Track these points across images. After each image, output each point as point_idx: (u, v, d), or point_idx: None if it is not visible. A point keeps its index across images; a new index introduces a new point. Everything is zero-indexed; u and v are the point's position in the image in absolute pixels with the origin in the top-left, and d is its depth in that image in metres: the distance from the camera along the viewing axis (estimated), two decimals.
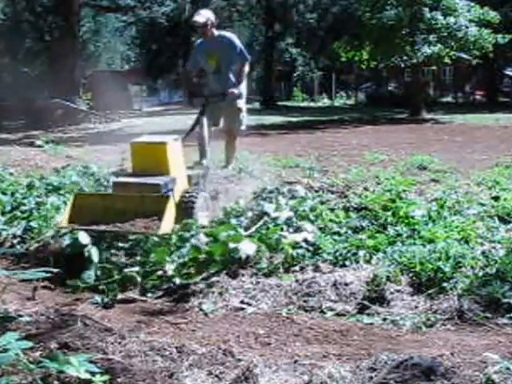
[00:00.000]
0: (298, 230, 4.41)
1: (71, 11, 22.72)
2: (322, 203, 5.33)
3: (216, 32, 6.08)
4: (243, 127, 6.41)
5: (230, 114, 6.23)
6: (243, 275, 3.79)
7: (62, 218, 4.25)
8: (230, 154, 6.53)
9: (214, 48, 6.05)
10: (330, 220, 4.71)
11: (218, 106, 5.93)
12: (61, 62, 22.28)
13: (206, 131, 5.54)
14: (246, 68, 6.11)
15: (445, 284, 3.47)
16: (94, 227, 4.11)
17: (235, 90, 5.92)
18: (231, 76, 6.11)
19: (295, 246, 4.11)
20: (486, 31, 20.07)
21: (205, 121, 5.53)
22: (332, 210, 5.08)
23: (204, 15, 6.02)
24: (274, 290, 3.61)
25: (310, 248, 4.14)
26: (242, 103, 6.26)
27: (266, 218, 4.55)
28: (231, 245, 3.85)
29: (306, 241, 4.19)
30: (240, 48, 6.11)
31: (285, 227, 4.42)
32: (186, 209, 4.52)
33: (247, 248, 3.87)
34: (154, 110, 30.45)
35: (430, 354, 2.50)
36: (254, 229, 4.37)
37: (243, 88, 6.23)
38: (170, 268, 3.73)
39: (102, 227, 4.10)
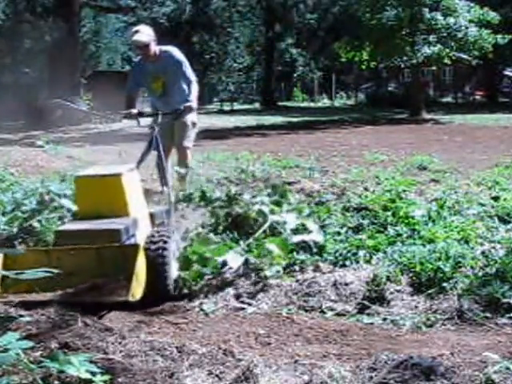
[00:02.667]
0: (302, 230, 4.36)
1: (72, 12, 22.75)
2: (322, 203, 5.33)
3: (158, 49, 5.33)
4: (191, 144, 5.68)
5: (180, 128, 5.51)
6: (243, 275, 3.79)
7: None
8: (182, 171, 5.42)
9: (158, 70, 5.35)
10: (329, 217, 4.72)
11: (169, 122, 5.20)
12: (61, 62, 22.28)
13: (163, 153, 4.65)
14: (196, 87, 5.38)
15: (445, 284, 3.47)
16: (36, 297, 3.12)
17: (192, 104, 5.15)
18: (180, 95, 5.41)
19: (303, 246, 4.12)
20: (486, 32, 20.10)
21: (159, 141, 4.59)
22: (333, 210, 5.09)
23: (145, 33, 5.26)
24: (274, 290, 3.62)
25: (315, 249, 4.13)
26: (194, 117, 5.58)
27: (268, 222, 4.21)
28: (218, 258, 3.59)
29: (314, 242, 4.16)
30: (186, 66, 5.38)
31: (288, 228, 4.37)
32: (155, 265, 3.36)
33: (233, 262, 3.61)
34: None
35: (430, 353, 2.50)
36: (259, 232, 4.10)
37: (192, 96, 5.44)
38: None
39: (46, 296, 3.10)
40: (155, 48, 5.27)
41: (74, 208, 4.58)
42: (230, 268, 3.60)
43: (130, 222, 3.53)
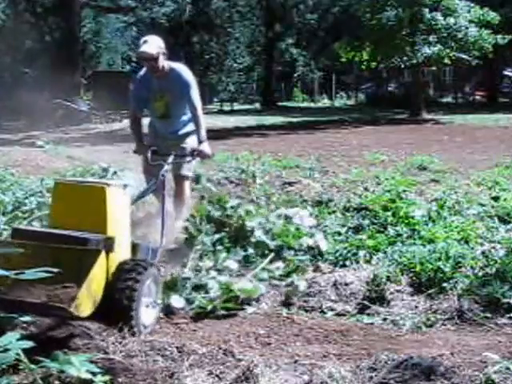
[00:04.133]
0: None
1: (72, 12, 22.76)
2: (322, 204, 5.34)
3: (166, 64, 4.60)
4: (190, 173, 4.88)
5: (179, 155, 4.55)
6: (243, 275, 3.80)
7: None
8: (178, 208, 4.65)
9: (163, 87, 4.62)
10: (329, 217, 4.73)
11: (165, 144, 4.56)
12: (62, 62, 22.29)
13: (167, 198, 4.11)
14: (202, 118, 4.63)
15: (445, 284, 3.47)
16: None
17: (205, 149, 4.47)
18: (183, 120, 4.75)
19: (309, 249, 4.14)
20: (486, 32, 20.09)
21: (166, 183, 4.08)
22: (333, 210, 5.10)
23: (155, 44, 4.53)
24: (274, 291, 3.62)
25: (315, 253, 4.15)
26: (195, 144, 4.63)
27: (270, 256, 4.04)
28: (243, 295, 3.41)
29: (317, 246, 4.17)
30: (194, 89, 4.61)
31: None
32: (120, 296, 2.91)
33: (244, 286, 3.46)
34: None
35: (430, 353, 2.50)
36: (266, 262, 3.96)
37: (191, 125, 4.75)
38: None
39: None
40: (164, 62, 4.57)
41: None
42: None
43: (103, 239, 3.00)
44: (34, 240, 2.97)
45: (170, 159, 4.20)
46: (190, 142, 4.68)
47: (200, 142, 4.49)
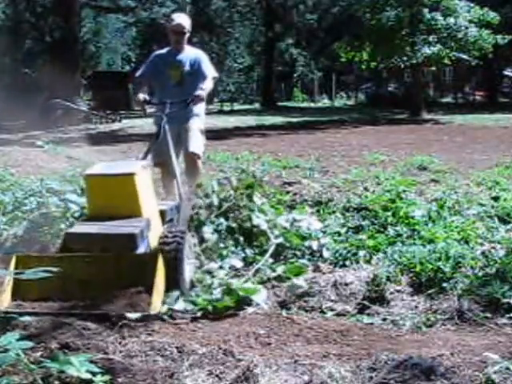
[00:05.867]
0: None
1: (72, 12, 22.75)
2: (322, 204, 5.33)
3: (186, 44, 5.30)
4: (201, 152, 5.21)
5: (187, 136, 5.10)
6: (243, 275, 3.80)
7: (4, 295, 3.02)
8: (193, 181, 4.90)
9: (181, 60, 5.20)
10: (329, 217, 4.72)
11: (175, 132, 4.80)
12: (61, 62, 22.26)
13: (171, 142, 4.43)
14: (210, 81, 5.10)
15: (445, 284, 3.47)
16: (47, 308, 2.94)
17: (202, 92, 4.89)
18: (195, 89, 5.05)
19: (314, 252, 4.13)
20: (486, 32, 20.10)
21: (168, 130, 4.43)
22: (333, 210, 5.09)
23: (187, 21, 5.22)
24: (274, 291, 3.62)
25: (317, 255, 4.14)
26: (201, 125, 5.24)
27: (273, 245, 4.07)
28: (242, 294, 3.37)
29: (320, 251, 4.15)
30: (208, 66, 5.20)
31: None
32: (170, 266, 3.25)
33: (259, 298, 3.39)
34: (154, 110, 30.43)
35: (430, 354, 2.50)
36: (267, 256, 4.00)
37: (202, 109, 5.29)
38: None
39: (66, 305, 2.96)
40: (186, 40, 5.27)
41: (76, 207, 4.60)
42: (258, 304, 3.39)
43: (144, 224, 3.33)
44: (89, 242, 3.22)
45: (167, 108, 4.54)
46: (197, 124, 5.16)
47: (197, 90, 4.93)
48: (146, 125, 19.27)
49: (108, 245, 3.21)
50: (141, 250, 3.30)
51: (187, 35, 5.24)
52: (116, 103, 26.29)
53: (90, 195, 3.52)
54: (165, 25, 5.39)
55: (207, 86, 5.05)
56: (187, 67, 5.18)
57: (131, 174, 3.39)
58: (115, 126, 19.90)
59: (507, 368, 2.29)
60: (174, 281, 3.27)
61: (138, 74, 5.33)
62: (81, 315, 2.87)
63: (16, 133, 15.97)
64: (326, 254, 4.10)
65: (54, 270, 2.48)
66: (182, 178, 4.70)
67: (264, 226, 4.26)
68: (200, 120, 5.24)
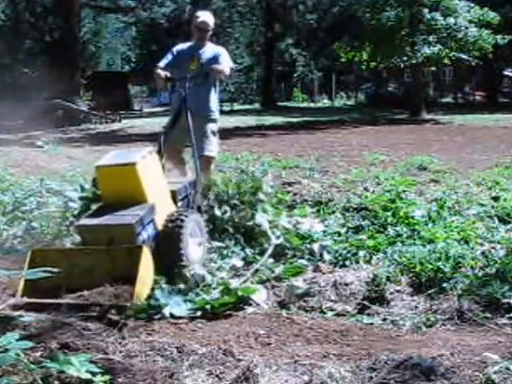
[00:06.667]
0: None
1: (71, 12, 22.77)
2: (322, 204, 5.33)
3: (208, 42, 5.60)
4: (215, 154, 5.34)
5: (199, 137, 4.98)
6: (243, 275, 3.79)
7: (20, 286, 3.27)
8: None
9: (201, 53, 5.44)
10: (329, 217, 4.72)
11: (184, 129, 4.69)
12: (61, 62, 22.29)
13: (190, 117, 4.54)
14: (227, 68, 5.26)
15: (445, 284, 3.47)
16: (53, 300, 3.15)
17: (219, 66, 5.12)
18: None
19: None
20: (486, 32, 20.10)
21: (188, 103, 4.61)
22: (332, 210, 5.09)
23: (211, 19, 5.59)
24: (273, 291, 3.62)
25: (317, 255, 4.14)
26: (214, 127, 5.37)
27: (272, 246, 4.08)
28: (241, 293, 3.38)
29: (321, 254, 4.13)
30: (224, 56, 5.38)
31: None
32: (170, 242, 3.54)
33: (258, 298, 3.42)
34: (154, 110, 30.50)
35: (430, 354, 2.50)
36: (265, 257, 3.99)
37: (216, 104, 5.45)
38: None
39: (66, 296, 3.17)
40: (208, 37, 5.57)
41: (76, 205, 4.62)
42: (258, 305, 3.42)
43: (145, 210, 3.51)
44: (96, 233, 3.45)
45: (187, 83, 4.70)
46: (210, 126, 5.30)
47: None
48: (146, 125, 19.31)
49: (112, 235, 3.42)
50: (143, 236, 3.48)
51: (210, 32, 5.56)
52: (116, 103, 26.31)
53: (100, 185, 3.76)
54: (190, 21, 5.69)
55: (225, 67, 5.23)
56: (207, 61, 5.35)
57: (133, 164, 3.55)
58: (115, 126, 19.91)
59: (507, 368, 2.29)
60: (174, 256, 3.49)
61: (160, 64, 5.41)
62: (68, 307, 3.05)
63: (16, 133, 15.98)
64: (326, 256, 4.09)
65: (54, 270, 2.52)
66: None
67: (265, 226, 4.26)
68: (215, 123, 5.39)
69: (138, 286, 3.12)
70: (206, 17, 5.57)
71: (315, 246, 4.14)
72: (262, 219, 4.31)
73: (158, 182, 3.81)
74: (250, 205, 4.41)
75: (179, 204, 3.97)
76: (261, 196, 4.51)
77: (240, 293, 3.36)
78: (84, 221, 3.63)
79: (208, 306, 3.24)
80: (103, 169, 3.67)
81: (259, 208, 4.42)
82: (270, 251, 4.04)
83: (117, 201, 3.56)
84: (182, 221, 3.60)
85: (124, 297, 3.09)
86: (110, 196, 3.64)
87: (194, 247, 3.72)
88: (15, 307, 3.12)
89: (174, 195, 3.93)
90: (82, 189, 4.54)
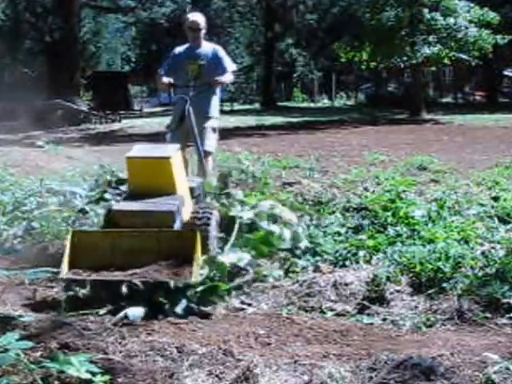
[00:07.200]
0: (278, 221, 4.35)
1: (71, 12, 22.78)
2: (322, 203, 5.33)
3: (203, 40, 5.76)
4: (213, 149, 5.61)
5: (199, 133, 5.28)
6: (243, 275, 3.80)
7: (64, 264, 3.41)
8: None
9: (199, 54, 5.58)
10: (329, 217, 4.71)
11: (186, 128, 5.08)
12: (61, 62, 22.31)
13: (194, 123, 4.92)
14: (231, 76, 5.58)
15: (445, 284, 3.47)
16: (107, 276, 3.34)
17: (223, 79, 5.42)
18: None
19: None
20: (486, 32, 20.09)
21: (191, 112, 4.92)
22: (332, 210, 5.09)
23: (201, 19, 5.70)
24: (274, 291, 3.62)
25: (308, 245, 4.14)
26: (215, 123, 5.63)
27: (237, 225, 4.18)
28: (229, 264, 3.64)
29: (297, 234, 4.19)
30: (226, 60, 5.60)
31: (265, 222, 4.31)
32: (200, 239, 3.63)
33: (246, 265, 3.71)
34: (154, 110, 30.50)
35: (430, 354, 2.49)
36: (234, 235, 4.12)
37: (217, 109, 5.69)
38: None
39: (116, 274, 3.34)
40: (203, 36, 5.69)
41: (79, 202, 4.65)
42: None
43: (179, 201, 3.75)
44: (132, 218, 3.61)
45: (191, 92, 4.99)
46: (210, 123, 5.50)
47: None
48: (146, 125, 19.30)
49: (149, 220, 3.59)
50: (177, 225, 3.68)
51: (203, 31, 5.66)
52: (116, 103, 26.31)
53: (130, 175, 3.92)
54: (182, 24, 5.89)
55: (227, 78, 5.55)
56: (205, 61, 5.46)
57: (168, 158, 3.79)
58: (115, 126, 19.91)
59: (507, 368, 2.29)
60: (202, 253, 3.61)
61: (161, 72, 5.60)
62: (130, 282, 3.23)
63: (16, 133, 15.97)
64: (302, 244, 4.14)
65: (54, 270, 2.55)
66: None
67: (237, 212, 4.36)
68: (215, 120, 5.62)
69: (195, 267, 3.31)
70: (195, 17, 5.73)
71: (287, 233, 4.17)
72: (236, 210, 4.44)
73: (182, 177, 4.07)
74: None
75: (193, 201, 4.19)
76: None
77: (228, 265, 3.57)
78: (121, 206, 3.80)
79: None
80: (136, 160, 3.84)
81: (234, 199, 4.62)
82: (236, 229, 4.11)
83: (146, 191, 3.73)
84: (209, 219, 3.86)
85: (184, 275, 3.27)
86: (140, 186, 3.80)
87: (215, 242, 3.95)
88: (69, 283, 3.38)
89: (191, 192, 4.18)
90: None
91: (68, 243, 3.46)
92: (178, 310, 3.23)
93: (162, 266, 3.33)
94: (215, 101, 5.62)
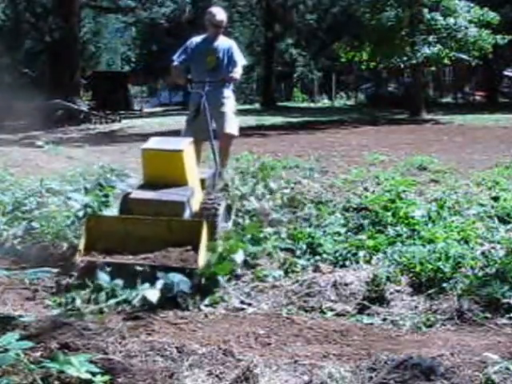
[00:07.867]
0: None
1: (71, 12, 22.74)
2: (322, 203, 5.33)
3: (221, 35, 6.04)
4: (236, 132, 5.96)
5: (218, 117, 5.74)
6: (243, 275, 3.80)
7: (80, 248, 3.65)
8: (225, 159, 5.82)
9: (216, 47, 5.89)
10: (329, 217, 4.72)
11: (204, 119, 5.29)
12: (61, 62, 22.28)
13: (209, 118, 5.16)
14: (241, 70, 5.89)
15: (445, 284, 3.47)
16: (121, 259, 3.56)
17: (236, 74, 5.74)
18: (229, 73, 5.85)
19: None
20: (486, 32, 20.07)
21: (207, 106, 5.14)
22: (332, 210, 5.09)
23: (225, 16, 6.03)
24: (273, 291, 3.62)
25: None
26: (232, 106, 5.99)
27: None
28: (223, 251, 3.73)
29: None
30: (237, 51, 5.96)
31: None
32: (207, 228, 3.81)
33: (238, 258, 3.76)
34: (154, 110, 30.49)
35: (430, 354, 2.50)
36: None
37: (232, 94, 6.04)
38: None
39: (129, 258, 3.56)
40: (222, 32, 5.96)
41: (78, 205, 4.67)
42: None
43: (189, 192, 3.99)
44: (146, 206, 3.85)
45: (206, 87, 5.22)
46: (228, 107, 5.83)
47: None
48: (146, 125, 19.30)
49: (161, 209, 3.83)
50: (186, 214, 3.94)
51: (223, 27, 5.94)
52: (116, 103, 26.30)
53: (145, 166, 4.12)
54: (204, 17, 5.99)
55: (238, 69, 5.81)
56: (222, 54, 5.83)
57: (180, 151, 4.01)
58: (115, 126, 19.89)
59: (507, 368, 2.29)
60: (210, 241, 3.81)
61: (176, 60, 5.83)
62: (142, 266, 3.49)
63: (16, 133, 15.96)
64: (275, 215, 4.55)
65: (54, 270, 2.57)
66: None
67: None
68: (232, 103, 5.93)
69: (200, 255, 3.53)
70: (222, 15, 5.91)
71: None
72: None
73: (194, 169, 4.27)
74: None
75: (204, 191, 4.44)
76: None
77: (220, 249, 3.68)
78: (136, 194, 3.99)
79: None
80: (151, 152, 4.06)
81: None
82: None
83: (159, 181, 3.96)
84: (217, 209, 4.07)
85: (190, 261, 3.50)
86: (154, 176, 4.02)
87: (222, 224, 4.20)
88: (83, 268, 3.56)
89: (202, 183, 4.43)
90: (86, 190, 4.76)
91: (84, 228, 3.69)
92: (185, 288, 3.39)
93: (170, 253, 3.55)
94: (229, 89, 5.92)
